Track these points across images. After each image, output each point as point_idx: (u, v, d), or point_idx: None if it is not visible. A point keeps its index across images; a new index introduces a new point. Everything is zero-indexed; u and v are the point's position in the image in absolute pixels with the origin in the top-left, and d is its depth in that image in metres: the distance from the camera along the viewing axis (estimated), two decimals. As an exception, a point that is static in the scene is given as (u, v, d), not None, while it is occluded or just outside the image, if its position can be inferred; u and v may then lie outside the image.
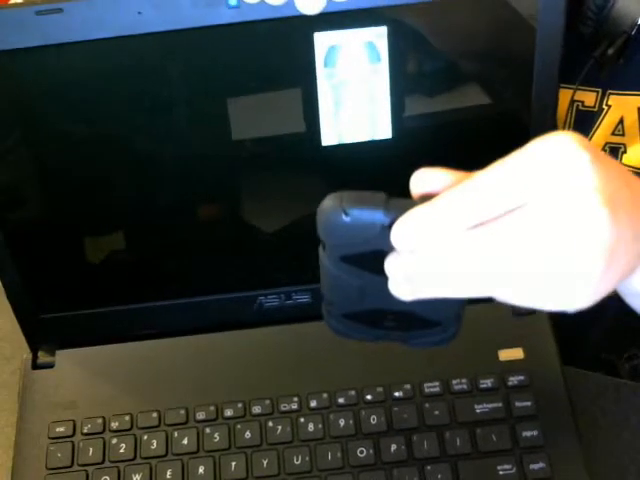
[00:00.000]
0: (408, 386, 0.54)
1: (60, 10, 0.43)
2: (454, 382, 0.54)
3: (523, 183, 0.31)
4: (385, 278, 0.35)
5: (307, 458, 0.52)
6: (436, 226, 0.32)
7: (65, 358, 0.58)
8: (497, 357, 0.56)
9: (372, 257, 0.35)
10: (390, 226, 0.33)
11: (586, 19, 0.51)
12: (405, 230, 0.33)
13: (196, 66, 0.47)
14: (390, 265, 0.35)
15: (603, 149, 0.58)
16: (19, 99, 0.48)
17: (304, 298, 0.58)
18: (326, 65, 0.46)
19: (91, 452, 0.53)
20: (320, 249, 0.37)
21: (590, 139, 0.58)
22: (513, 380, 0.54)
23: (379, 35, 0.45)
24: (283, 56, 0.47)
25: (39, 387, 0.56)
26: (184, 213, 0.55)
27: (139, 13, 0.44)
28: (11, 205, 0.53)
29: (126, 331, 0.58)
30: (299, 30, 0.45)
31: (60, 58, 0.46)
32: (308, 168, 0.52)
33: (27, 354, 0.58)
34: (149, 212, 0.55)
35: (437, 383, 0.54)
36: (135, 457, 0.53)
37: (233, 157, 0.52)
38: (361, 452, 0.52)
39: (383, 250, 0.35)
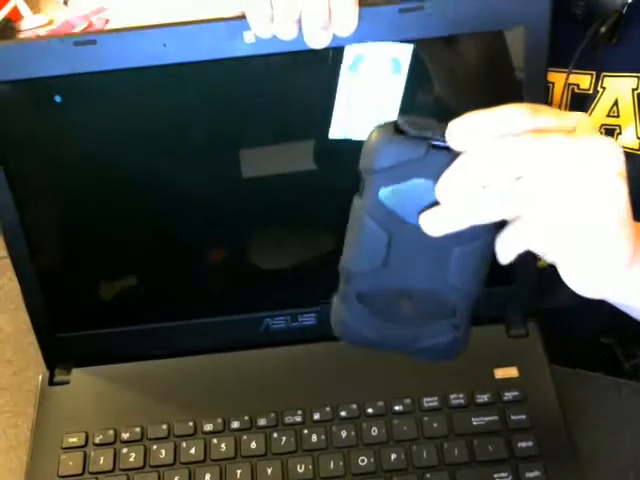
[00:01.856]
0: (408, 400, 0.57)
1: (94, 42, 0.49)
2: (452, 397, 0.56)
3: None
4: (418, 227, 0.36)
5: (310, 466, 0.54)
6: (492, 126, 0.34)
7: (80, 375, 0.60)
8: (493, 375, 0.58)
9: (411, 197, 0.36)
10: (438, 147, 0.35)
11: (577, 1, 0.54)
12: (461, 126, 0.35)
13: (215, 95, 0.52)
14: (442, 181, 0.36)
15: (599, 131, 0.60)
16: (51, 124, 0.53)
17: (309, 320, 0.61)
18: (350, 69, 0.51)
19: (102, 461, 0.55)
20: (356, 198, 0.37)
21: None
22: (508, 395, 0.56)
23: (404, 51, 0.50)
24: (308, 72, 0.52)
25: (55, 402, 0.59)
26: (195, 240, 0.59)
27: (164, 45, 0.49)
28: (40, 234, 0.57)
29: (139, 350, 0.61)
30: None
31: (92, 86, 0.51)
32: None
33: (44, 371, 0.60)
34: (162, 240, 0.59)
35: (435, 398, 0.57)
36: (144, 465, 0.55)
37: (246, 182, 0.56)
38: (362, 461, 0.54)
39: (426, 183, 0.36)
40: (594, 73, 0.59)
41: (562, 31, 0.52)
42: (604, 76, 0.59)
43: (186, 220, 0.58)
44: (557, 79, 0.58)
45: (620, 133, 0.60)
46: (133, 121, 0.53)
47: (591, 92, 0.60)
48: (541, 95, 0.53)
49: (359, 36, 0.49)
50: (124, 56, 0.50)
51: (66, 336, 0.60)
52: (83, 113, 0.53)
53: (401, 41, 0.51)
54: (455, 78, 0.54)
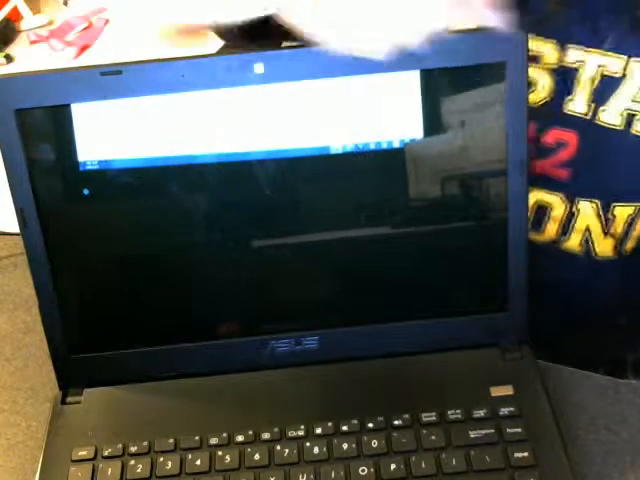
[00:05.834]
0: (407, 416, 0.58)
1: (120, 72, 0.55)
2: (449, 412, 0.58)
3: None
4: None
5: (312, 476, 0.55)
6: None
7: (91, 394, 0.63)
8: (489, 393, 0.60)
9: None
10: None
11: None
12: None
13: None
14: None
15: (620, 114, 0.60)
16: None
17: (312, 344, 0.64)
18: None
19: (110, 472, 0.57)
20: None
21: (610, 103, 0.60)
22: (504, 411, 0.58)
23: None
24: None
25: (66, 419, 0.61)
26: (204, 268, 0.63)
27: (182, 76, 0.55)
28: (62, 264, 0.61)
29: (149, 372, 0.63)
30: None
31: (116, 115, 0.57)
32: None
33: (57, 391, 0.63)
34: (171, 269, 0.63)
35: (433, 413, 0.58)
36: (151, 476, 0.56)
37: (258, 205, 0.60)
38: (362, 471, 0.55)
39: None
40: (625, 57, 0.59)
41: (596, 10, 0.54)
42: (632, 61, 0.59)
43: (195, 249, 0.62)
44: (588, 58, 0.59)
45: None
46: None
47: (619, 75, 0.59)
48: (522, 123, 0.58)
49: (355, 68, 0.55)
50: (146, 85, 0.55)
51: (80, 358, 0.63)
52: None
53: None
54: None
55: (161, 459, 0.57)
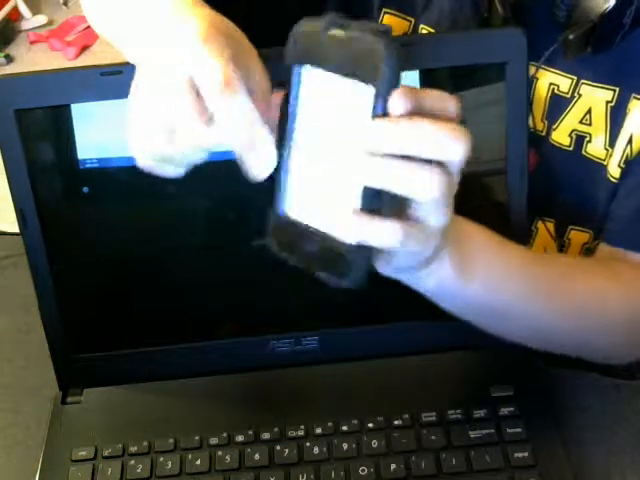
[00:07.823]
0: (407, 416, 0.58)
1: (120, 72, 0.55)
2: (449, 412, 0.58)
3: None
4: None
5: (312, 476, 0.55)
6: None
7: (91, 394, 0.63)
8: (489, 393, 0.60)
9: None
10: None
11: (560, 3, 0.56)
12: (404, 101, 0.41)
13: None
14: None
15: (569, 135, 0.62)
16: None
17: (312, 344, 0.64)
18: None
19: (110, 472, 0.57)
20: None
21: (560, 123, 0.63)
22: (504, 411, 0.58)
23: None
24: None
25: (66, 419, 0.61)
26: (204, 269, 0.63)
27: (183, 75, 0.55)
28: (62, 263, 0.61)
29: (149, 371, 0.63)
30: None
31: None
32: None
33: (57, 391, 0.63)
34: (171, 268, 0.63)
35: (433, 413, 0.58)
36: (151, 476, 0.57)
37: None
38: (362, 471, 0.55)
39: None
40: (575, 78, 0.60)
41: (547, 30, 0.55)
42: (582, 83, 0.60)
43: (195, 248, 0.62)
44: (541, 75, 0.60)
45: (590, 141, 0.61)
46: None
47: (568, 96, 0.61)
48: (522, 123, 0.58)
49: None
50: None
51: (80, 358, 0.63)
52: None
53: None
54: None
55: (161, 459, 0.57)
